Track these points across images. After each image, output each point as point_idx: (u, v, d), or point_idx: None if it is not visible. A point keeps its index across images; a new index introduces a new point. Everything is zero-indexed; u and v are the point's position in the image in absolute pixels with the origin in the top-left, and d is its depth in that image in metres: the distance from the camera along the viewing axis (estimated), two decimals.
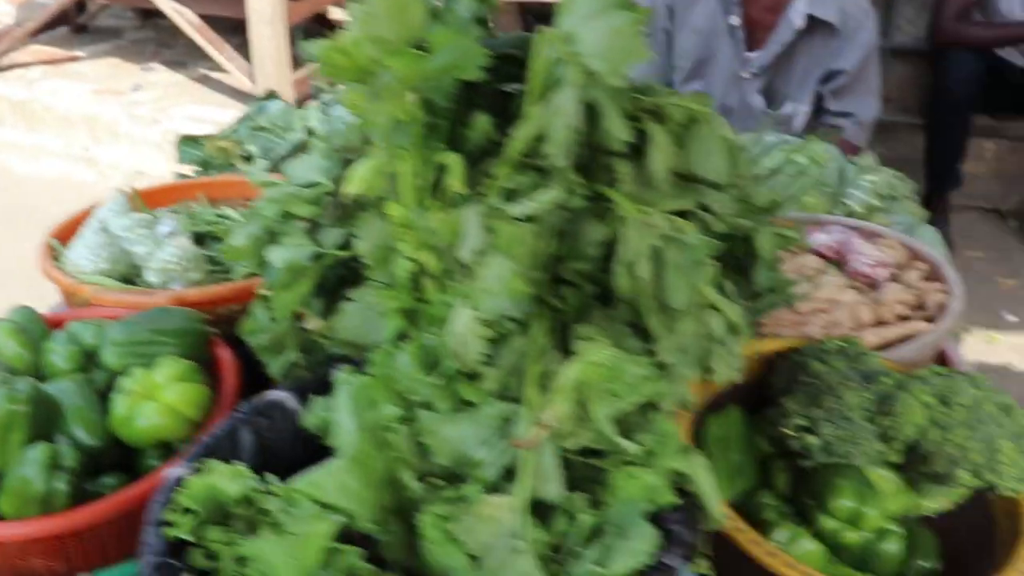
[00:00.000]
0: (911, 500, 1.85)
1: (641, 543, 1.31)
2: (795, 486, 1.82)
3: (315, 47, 1.37)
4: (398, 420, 1.46)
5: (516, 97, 1.45)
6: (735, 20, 4.04)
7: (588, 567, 1.32)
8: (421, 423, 1.44)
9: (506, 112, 1.45)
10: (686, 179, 1.55)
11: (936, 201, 6.40)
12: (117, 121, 7.23)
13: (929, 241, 2.72)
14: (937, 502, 1.87)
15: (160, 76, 7.99)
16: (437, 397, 1.45)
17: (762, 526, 1.72)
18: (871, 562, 1.77)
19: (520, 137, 1.34)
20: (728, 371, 1.50)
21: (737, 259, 1.80)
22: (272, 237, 1.77)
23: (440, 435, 1.43)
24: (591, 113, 1.35)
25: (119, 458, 1.84)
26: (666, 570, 1.30)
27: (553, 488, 1.38)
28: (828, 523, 1.73)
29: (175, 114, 7.20)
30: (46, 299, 2.43)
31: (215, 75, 7.77)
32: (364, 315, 1.64)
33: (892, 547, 1.77)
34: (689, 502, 1.42)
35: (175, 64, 8.20)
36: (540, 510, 1.41)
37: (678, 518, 1.37)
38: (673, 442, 1.41)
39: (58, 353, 1.93)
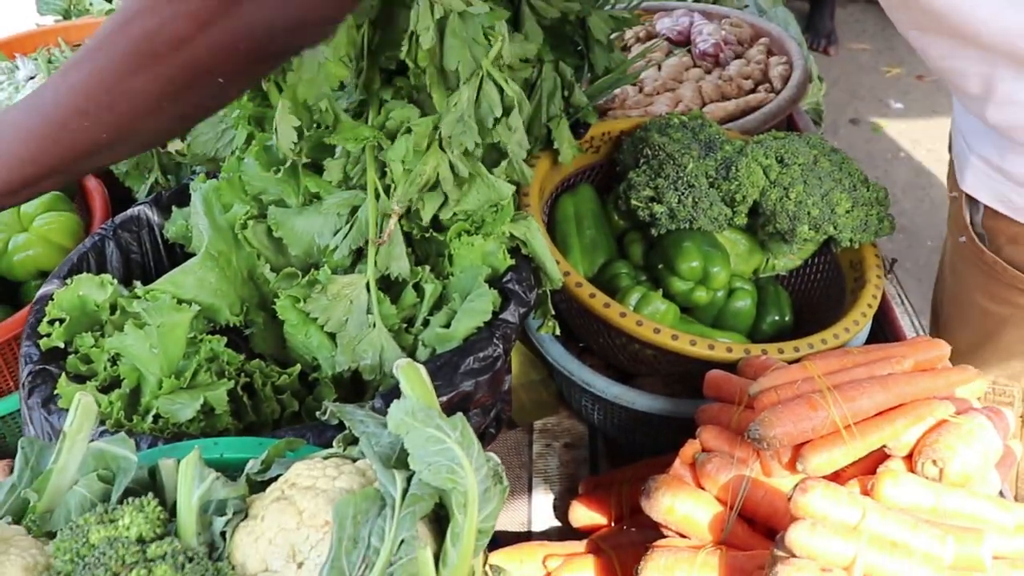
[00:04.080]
0: (762, 259, 1.97)
1: (482, 303, 1.41)
2: (648, 256, 1.92)
3: None
4: (250, 218, 1.53)
5: None
6: None
7: (436, 331, 1.42)
8: (273, 218, 1.51)
9: None
10: None
11: None
12: None
13: (782, 21, 2.78)
14: (787, 260, 1.99)
15: None
16: (285, 193, 1.52)
17: (619, 294, 1.80)
18: (723, 319, 1.88)
19: None
20: (519, 149, 1.57)
21: (575, 43, 1.86)
22: None
23: (292, 228, 1.51)
24: None
25: (2, 294, 1.90)
26: (505, 325, 1.40)
27: (400, 265, 1.47)
28: (678, 285, 1.82)
29: None
30: None
31: None
32: (215, 128, 1.69)
33: (742, 304, 1.88)
34: (526, 264, 1.51)
35: None
36: (391, 287, 1.50)
37: (515, 278, 1.47)
38: (508, 210, 1.50)
39: None
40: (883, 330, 1.94)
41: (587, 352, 1.88)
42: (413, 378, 1.06)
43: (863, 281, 1.85)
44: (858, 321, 1.75)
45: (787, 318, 1.92)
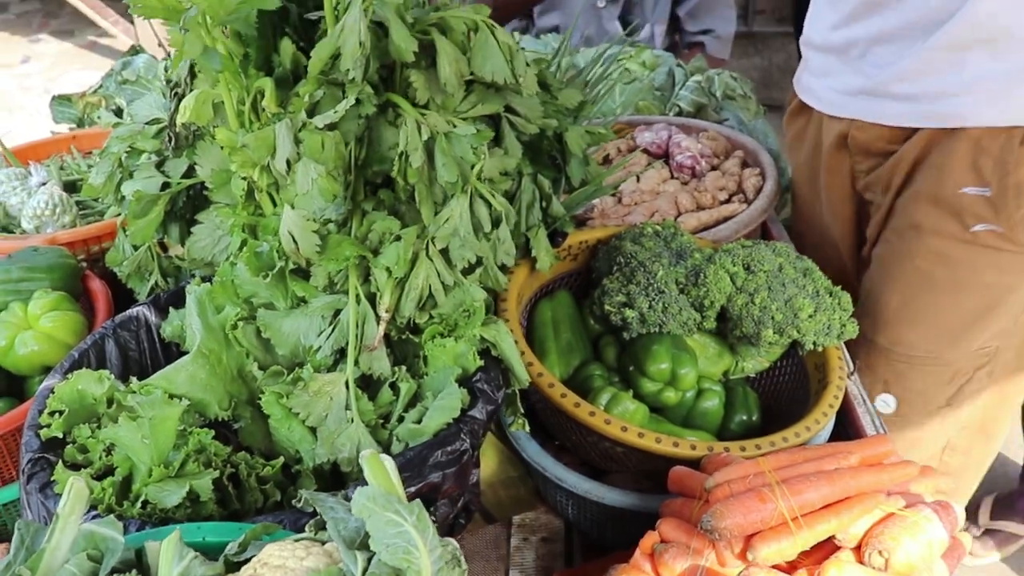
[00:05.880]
0: (732, 362, 2.06)
1: (451, 401, 1.51)
2: (621, 358, 2.00)
3: None
4: (241, 319, 1.63)
5: (321, 24, 1.62)
6: None
7: (409, 426, 1.52)
8: (262, 320, 1.62)
9: (313, 39, 1.62)
10: (492, 87, 1.73)
11: None
12: (8, 92, 7.26)
13: (761, 133, 2.91)
14: (755, 362, 2.08)
15: (48, 46, 8.01)
16: (274, 296, 1.63)
17: (591, 394, 1.89)
18: (693, 418, 1.96)
19: (318, 56, 1.51)
20: (507, 257, 1.68)
21: (552, 157, 1.98)
22: (128, 174, 1.93)
23: (279, 329, 1.61)
24: (383, 31, 1.53)
25: (7, 388, 2.00)
26: (473, 421, 1.50)
27: (382, 365, 1.58)
28: (648, 385, 1.91)
29: (65, 82, 7.24)
30: None
31: (103, 40, 7.83)
32: (212, 234, 1.80)
33: (710, 403, 1.96)
34: (495, 365, 1.61)
35: (63, 33, 8.23)
36: (369, 385, 1.60)
37: (484, 378, 1.57)
38: (480, 314, 1.60)
39: None
40: (845, 429, 2.03)
41: (564, 450, 1.97)
42: (376, 467, 1.16)
43: (826, 382, 1.94)
44: (819, 420, 1.83)
45: (755, 417, 1.99)
